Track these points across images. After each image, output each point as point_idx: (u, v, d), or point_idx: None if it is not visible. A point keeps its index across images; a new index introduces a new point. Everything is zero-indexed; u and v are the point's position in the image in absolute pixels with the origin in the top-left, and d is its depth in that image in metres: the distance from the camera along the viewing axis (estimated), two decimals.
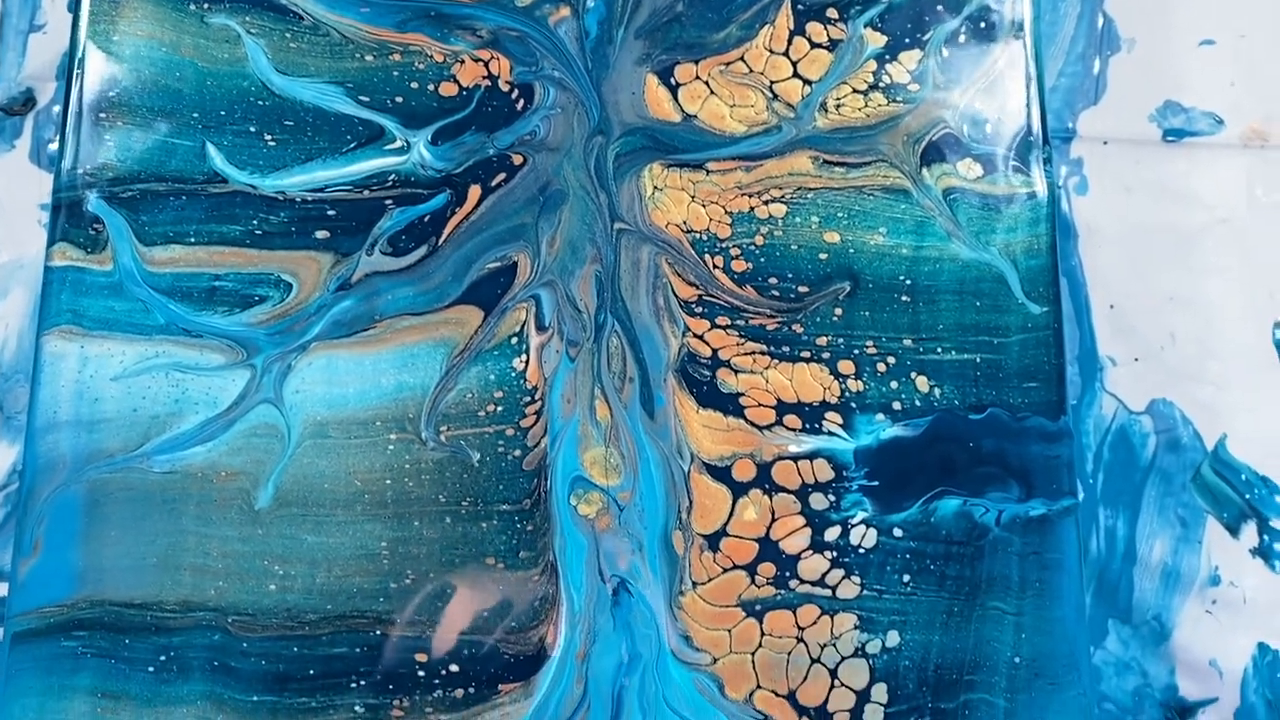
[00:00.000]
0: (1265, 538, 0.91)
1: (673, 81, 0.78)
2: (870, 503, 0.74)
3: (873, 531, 0.74)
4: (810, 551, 0.73)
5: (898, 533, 0.74)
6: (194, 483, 0.73)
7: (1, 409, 0.91)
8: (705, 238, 0.77)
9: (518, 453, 0.74)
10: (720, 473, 0.74)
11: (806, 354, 0.76)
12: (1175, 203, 0.97)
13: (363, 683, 0.70)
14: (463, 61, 0.77)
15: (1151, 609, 0.92)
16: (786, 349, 0.76)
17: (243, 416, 0.74)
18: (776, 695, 0.72)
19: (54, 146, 0.95)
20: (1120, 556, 0.92)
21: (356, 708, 0.70)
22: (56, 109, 0.95)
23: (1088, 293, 0.96)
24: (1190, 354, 0.95)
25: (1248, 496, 0.92)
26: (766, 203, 0.77)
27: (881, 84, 0.78)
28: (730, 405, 0.75)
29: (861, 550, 0.74)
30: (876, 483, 0.75)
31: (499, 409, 0.74)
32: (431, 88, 0.77)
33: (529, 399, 0.75)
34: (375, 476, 0.73)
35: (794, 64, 0.78)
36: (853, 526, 0.74)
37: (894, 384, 0.76)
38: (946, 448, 0.76)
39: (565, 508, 0.73)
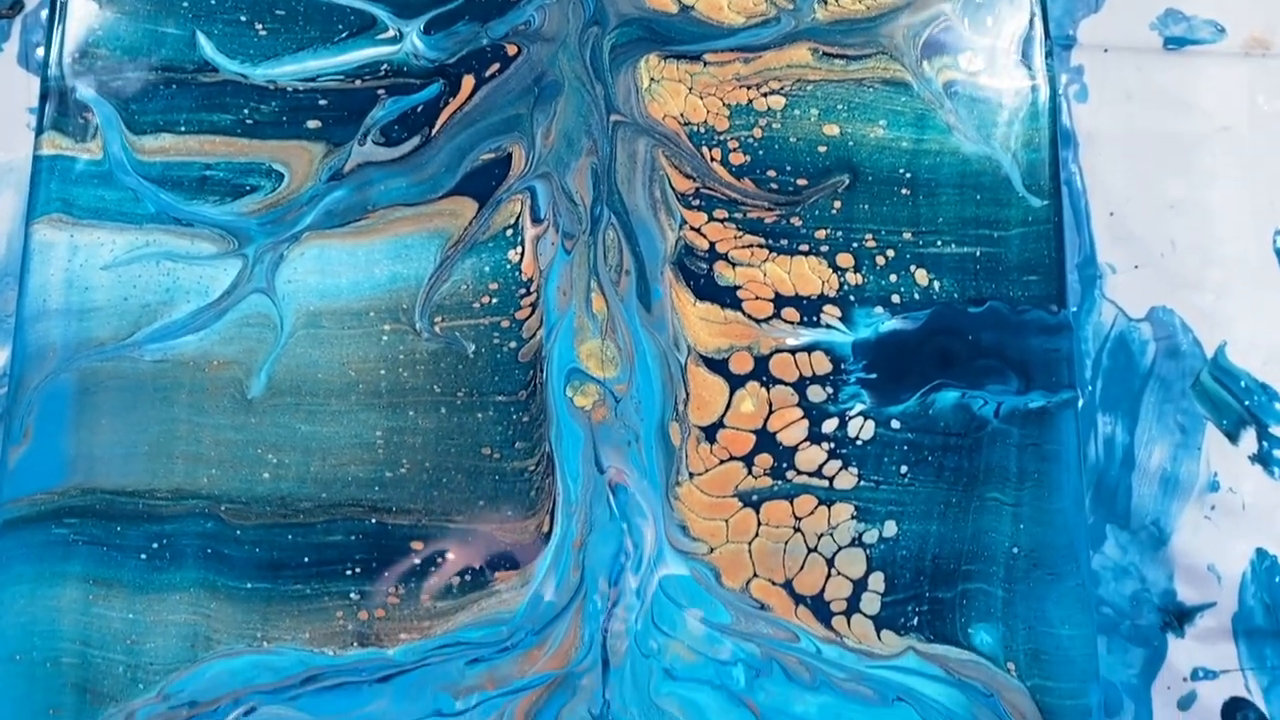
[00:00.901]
0: (1264, 444, 0.91)
1: None
2: (868, 395, 0.74)
3: (870, 423, 0.74)
4: (808, 443, 0.73)
5: (895, 425, 0.74)
6: (186, 371, 0.72)
7: None
8: (703, 130, 0.76)
9: (513, 344, 0.73)
10: (717, 365, 0.74)
11: (805, 247, 0.76)
12: (1176, 111, 0.97)
13: (358, 570, 0.70)
14: None
15: (1150, 514, 0.92)
16: (785, 242, 0.76)
17: (235, 306, 0.73)
18: (773, 584, 0.71)
19: (42, 51, 0.93)
20: (1119, 463, 0.92)
21: (351, 595, 0.70)
22: (44, 13, 0.93)
23: (1088, 200, 0.96)
24: (1190, 261, 0.94)
25: (1247, 403, 0.92)
26: (765, 95, 0.76)
27: None
28: (728, 298, 0.75)
29: (859, 442, 0.73)
30: (875, 375, 0.75)
31: (494, 301, 0.74)
32: None
33: (524, 291, 0.74)
34: (369, 367, 0.73)
35: None
36: (850, 418, 0.74)
37: (893, 277, 0.76)
38: (945, 340, 0.75)
39: (561, 399, 0.73)
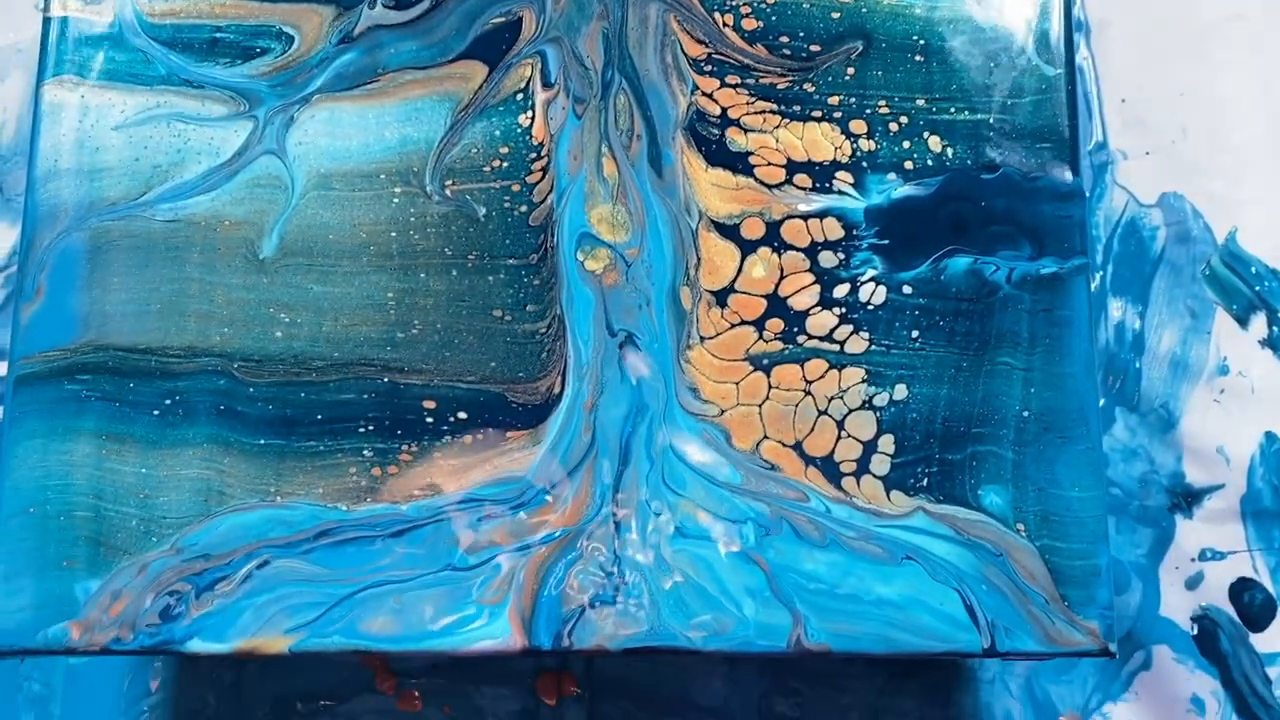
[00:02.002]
0: (1274, 329, 0.92)
1: None
2: (880, 260, 0.74)
3: (882, 289, 0.74)
4: (819, 308, 0.73)
5: (907, 290, 0.74)
6: (197, 231, 0.73)
7: (1, 190, 0.90)
8: None
9: (524, 208, 0.74)
10: (729, 230, 0.74)
11: (818, 113, 0.76)
12: None
13: (371, 428, 0.71)
14: None
15: (1159, 397, 0.92)
16: (797, 108, 0.76)
17: (246, 167, 0.73)
18: (783, 446, 0.72)
19: None
20: (1129, 346, 0.93)
21: (365, 452, 0.70)
22: None
23: (1099, 86, 0.96)
24: (1201, 147, 0.94)
25: (1257, 288, 0.92)
26: None
27: None
28: (739, 164, 0.75)
29: (870, 307, 0.74)
30: (887, 241, 0.75)
31: (505, 165, 0.74)
32: None
33: (535, 155, 0.74)
34: (380, 229, 0.73)
35: None
36: (862, 284, 0.74)
37: (906, 144, 0.76)
38: (958, 206, 0.76)
39: (572, 263, 0.73)
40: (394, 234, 0.73)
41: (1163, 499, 0.89)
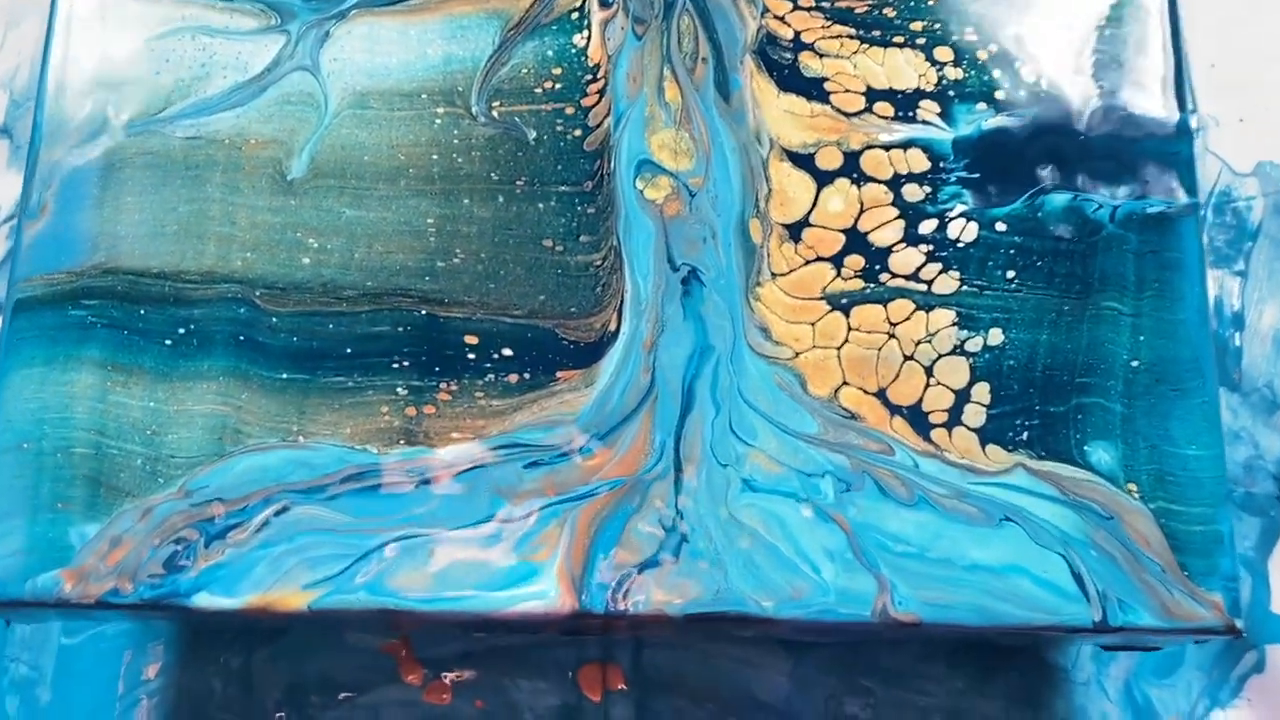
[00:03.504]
0: None
1: None
2: (970, 195, 0.68)
3: (973, 225, 0.67)
4: (903, 245, 0.67)
5: (1000, 227, 0.67)
6: (221, 150, 0.67)
7: (12, 137, 0.85)
8: None
9: (578, 132, 0.68)
10: (802, 160, 0.68)
11: (899, 39, 0.70)
12: None
13: (406, 364, 0.64)
14: None
15: (1263, 377, 0.85)
16: (877, 33, 0.70)
17: (275, 83, 0.68)
18: (865, 393, 0.65)
19: None
20: (1228, 323, 0.85)
21: (399, 389, 0.63)
22: None
23: (1187, 50, 0.89)
24: None
25: None
26: None
27: None
28: (814, 90, 0.69)
29: (960, 244, 0.67)
30: (977, 175, 0.69)
31: (557, 86, 0.68)
32: None
33: (590, 77, 0.68)
34: (420, 151, 0.67)
35: None
36: (951, 220, 0.67)
37: (996, 72, 0.69)
38: (1055, 140, 0.69)
39: (630, 191, 0.67)
40: (435, 156, 0.67)
41: (1270, 486, 0.81)
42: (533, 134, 0.67)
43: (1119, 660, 0.79)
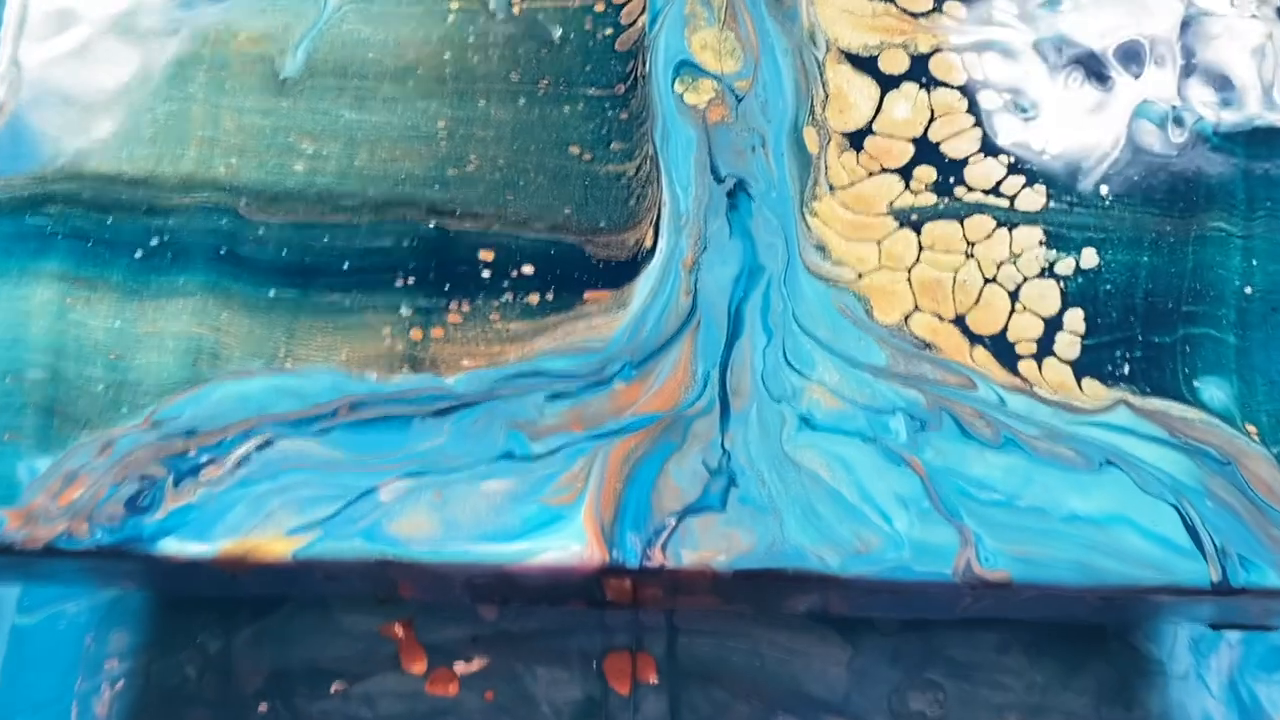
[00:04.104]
0: None
1: None
2: (1054, 100, 0.60)
3: (1061, 134, 0.59)
4: (980, 155, 0.59)
5: (1091, 134, 0.59)
6: (206, 45, 0.60)
7: None
8: None
9: (609, 31, 0.60)
10: (864, 63, 0.60)
11: None
12: None
13: (411, 281, 0.56)
14: None
15: None
16: None
17: None
18: (940, 320, 0.57)
19: None
20: None
21: (402, 310, 0.55)
22: None
23: None
24: None
25: None
26: None
27: None
28: None
29: (1046, 156, 0.59)
30: (1059, 78, 0.61)
31: None
32: None
33: None
34: (432, 49, 0.60)
35: None
36: (1034, 129, 0.59)
37: None
38: (1150, 43, 0.61)
39: (669, 95, 0.59)
40: (448, 55, 0.59)
41: None
42: (558, 32, 0.60)
43: (1220, 652, 0.70)
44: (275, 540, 0.53)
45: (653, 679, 0.68)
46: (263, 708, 0.67)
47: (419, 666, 0.68)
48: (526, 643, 0.68)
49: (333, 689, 0.67)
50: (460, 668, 0.68)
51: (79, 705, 0.67)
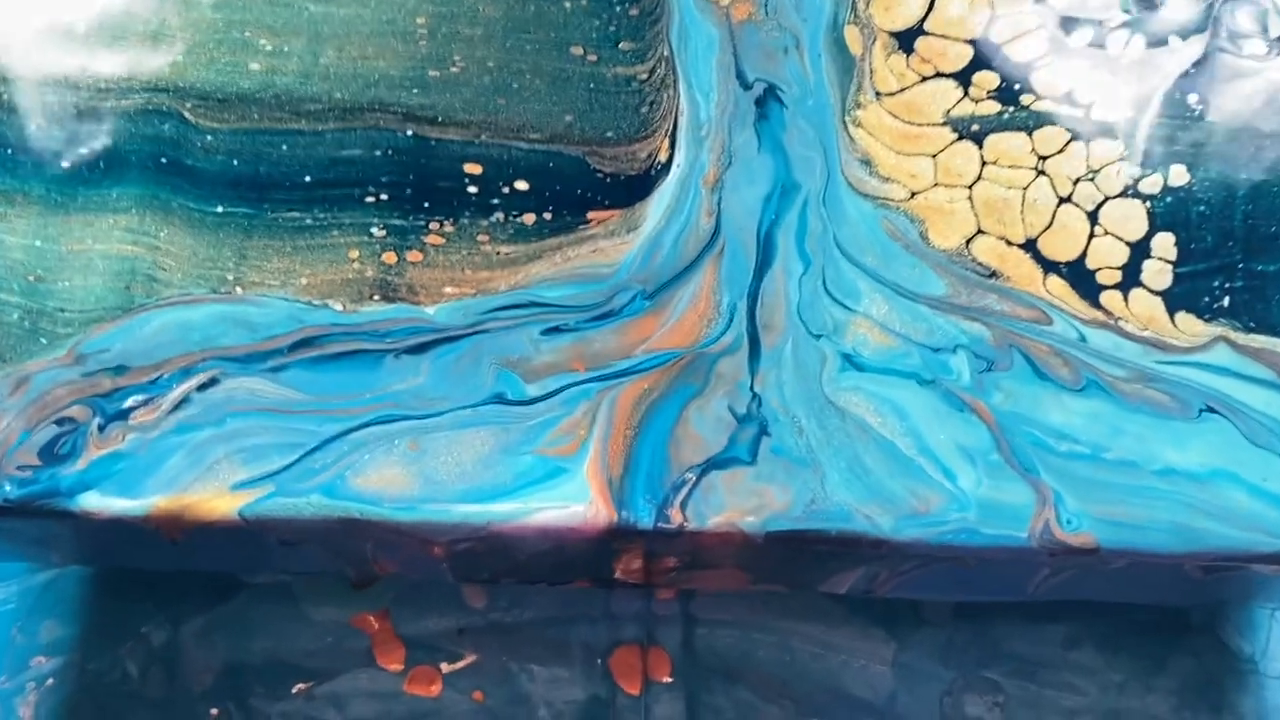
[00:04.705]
0: None
1: None
2: (1134, 2, 0.52)
3: (1139, 37, 0.52)
4: (1050, 58, 0.51)
5: (1174, 39, 0.52)
6: None
7: None
8: None
9: None
10: None
11: None
12: None
13: (385, 197, 0.48)
14: None
15: None
16: None
17: None
18: (1008, 244, 0.49)
19: None
20: None
21: (374, 229, 0.48)
22: None
23: None
24: None
25: None
26: None
27: None
28: None
29: (1127, 61, 0.51)
30: None
31: None
32: None
33: None
34: None
35: None
36: (1112, 30, 0.52)
37: None
38: None
39: None
40: None
41: None
42: None
43: None
44: (219, 496, 0.45)
45: (666, 677, 0.59)
46: (214, 712, 0.58)
47: (396, 663, 0.60)
48: (521, 635, 0.60)
49: (295, 689, 0.58)
50: (445, 665, 0.59)
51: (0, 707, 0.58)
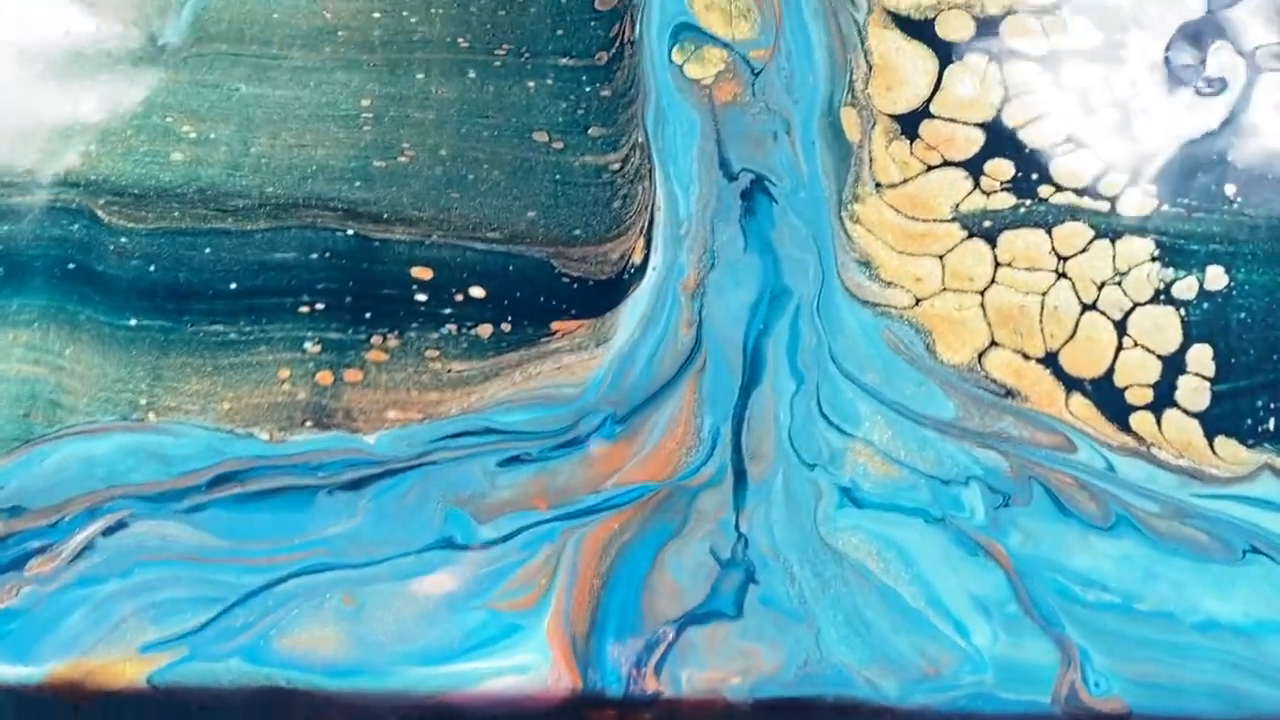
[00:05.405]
0: None
1: None
2: (1165, 77, 0.48)
3: (1172, 119, 0.47)
4: (1070, 144, 0.46)
5: (1211, 122, 0.47)
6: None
7: None
8: None
9: None
10: (917, 28, 0.49)
11: None
12: None
13: (320, 306, 0.43)
14: None
15: None
16: None
17: None
18: (1026, 358, 0.44)
19: None
20: None
21: (307, 345, 0.43)
22: None
23: None
24: None
25: None
26: None
27: None
28: None
29: (1154, 143, 0.46)
30: (1169, 53, 0.48)
31: None
32: None
33: None
34: (358, 7, 0.48)
35: None
36: (1140, 112, 0.47)
37: None
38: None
39: (664, 65, 0.48)
40: (377, 14, 0.48)
41: None
42: None
43: None
44: (125, 660, 0.40)
45: None
46: None
47: None
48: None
49: None
50: None
51: None
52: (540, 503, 0.44)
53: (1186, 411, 0.46)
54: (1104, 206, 0.48)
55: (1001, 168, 0.49)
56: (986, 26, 0.51)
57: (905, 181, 0.49)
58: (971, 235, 0.48)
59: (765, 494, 0.44)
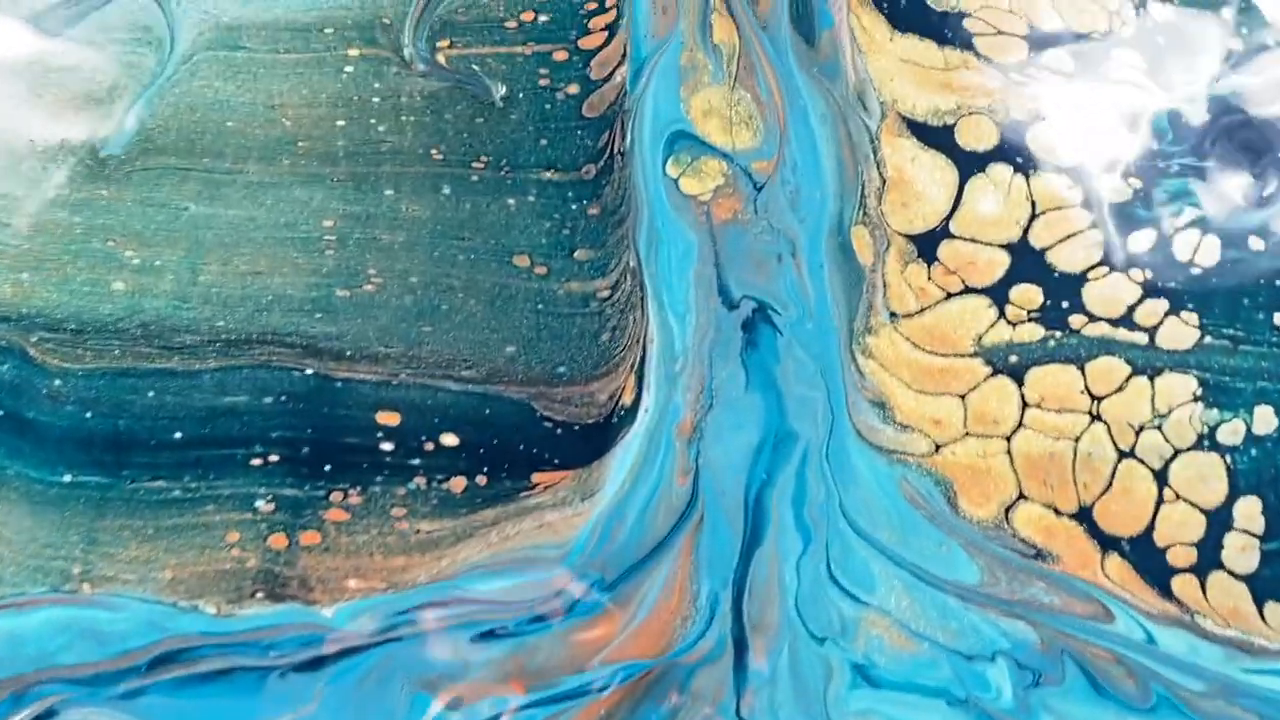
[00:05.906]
0: None
1: None
2: (1203, 193, 0.44)
3: (1213, 240, 0.43)
4: (1104, 269, 0.42)
5: (1257, 243, 0.43)
6: None
7: None
8: None
9: (574, 89, 0.46)
10: (936, 135, 0.45)
11: None
12: None
13: (274, 458, 0.39)
14: None
15: None
16: None
17: (95, 10, 0.44)
18: (1058, 514, 0.40)
19: None
20: None
21: (259, 503, 0.39)
22: None
23: None
24: None
25: None
26: None
27: None
28: (950, 30, 0.47)
29: (1197, 270, 0.42)
30: (1211, 162, 0.44)
31: (541, 19, 0.46)
32: None
33: (595, 6, 0.45)
34: (320, 114, 0.44)
35: None
36: (1178, 231, 0.43)
37: (1227, 11, 0.46)
38: None
39: (658, 179, 0.44)
40: (342, 123, 0.44)
41: None
42: (501, 90, 0.45)
43: None
44: None
45: None
46: None
47: None
48: None
49: None
50: None
51: None
52: (517, 686, 0.40)
53: (1233, 574, 0.42)
54: (1141, 339, 0.44)
55: (1029, 294, 0.45)
56: (1013, 133, 0.47)
57: (922, 311, 0.45)
58: (996, 372, 0.44)
59: (769, 672, 0.40)
